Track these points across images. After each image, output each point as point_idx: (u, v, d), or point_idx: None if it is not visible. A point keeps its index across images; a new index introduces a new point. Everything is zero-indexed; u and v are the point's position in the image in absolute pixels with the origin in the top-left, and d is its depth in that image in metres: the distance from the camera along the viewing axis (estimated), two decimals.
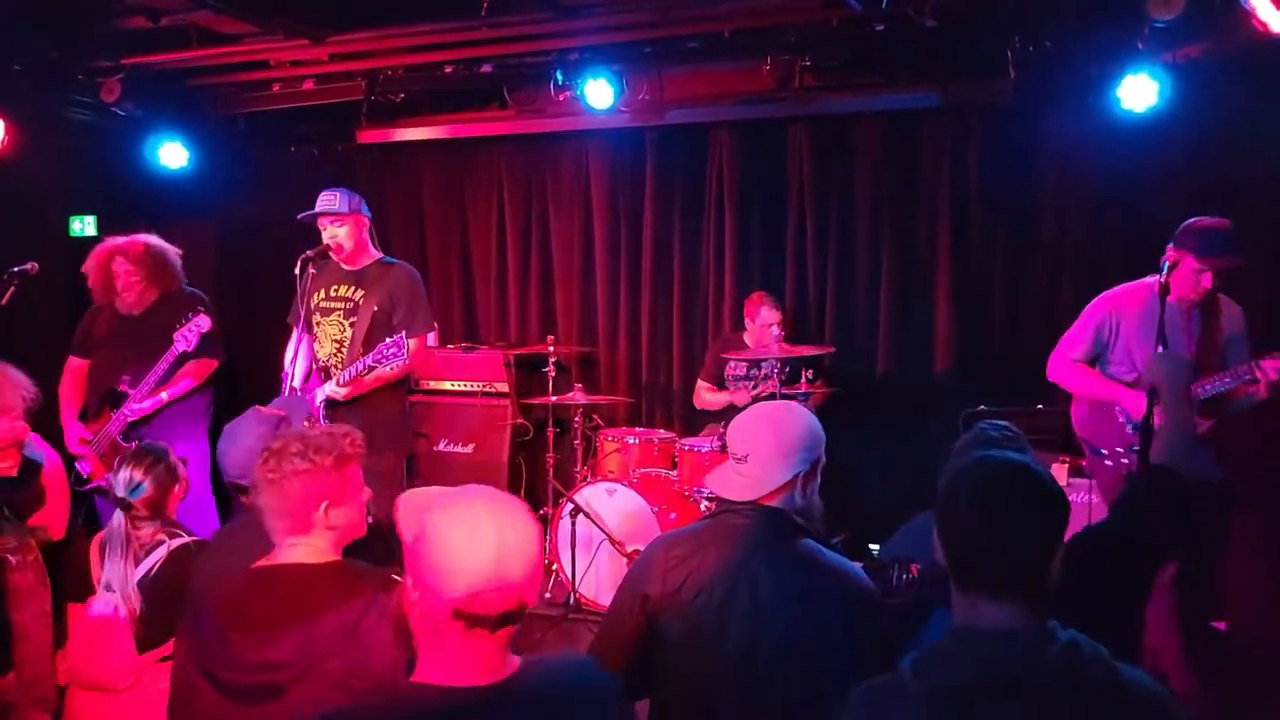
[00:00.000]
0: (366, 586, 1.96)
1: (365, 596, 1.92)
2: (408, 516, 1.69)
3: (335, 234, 3.86)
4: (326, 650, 1.87)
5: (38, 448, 3.28)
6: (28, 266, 4.10)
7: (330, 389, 3.76)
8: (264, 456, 2.04)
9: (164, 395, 4.25)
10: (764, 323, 4.96)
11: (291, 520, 2.03)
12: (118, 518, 2.83)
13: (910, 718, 1.41)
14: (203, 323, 4.13)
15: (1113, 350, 3.67)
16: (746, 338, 5.12)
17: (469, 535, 1.42)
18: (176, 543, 2.87)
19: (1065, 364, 3.74)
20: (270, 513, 2.04)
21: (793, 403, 2.27)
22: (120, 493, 2.85)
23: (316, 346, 4.00)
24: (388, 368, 3.64)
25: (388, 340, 3.60)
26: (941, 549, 1.52)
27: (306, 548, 2.04)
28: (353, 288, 3.93)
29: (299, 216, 3.94)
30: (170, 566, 2.81)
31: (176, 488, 3.01)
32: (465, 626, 1.42)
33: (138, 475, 2.88)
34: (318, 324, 3.96)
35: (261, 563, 2.05)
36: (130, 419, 4.19)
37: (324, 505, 2.03)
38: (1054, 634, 1.41)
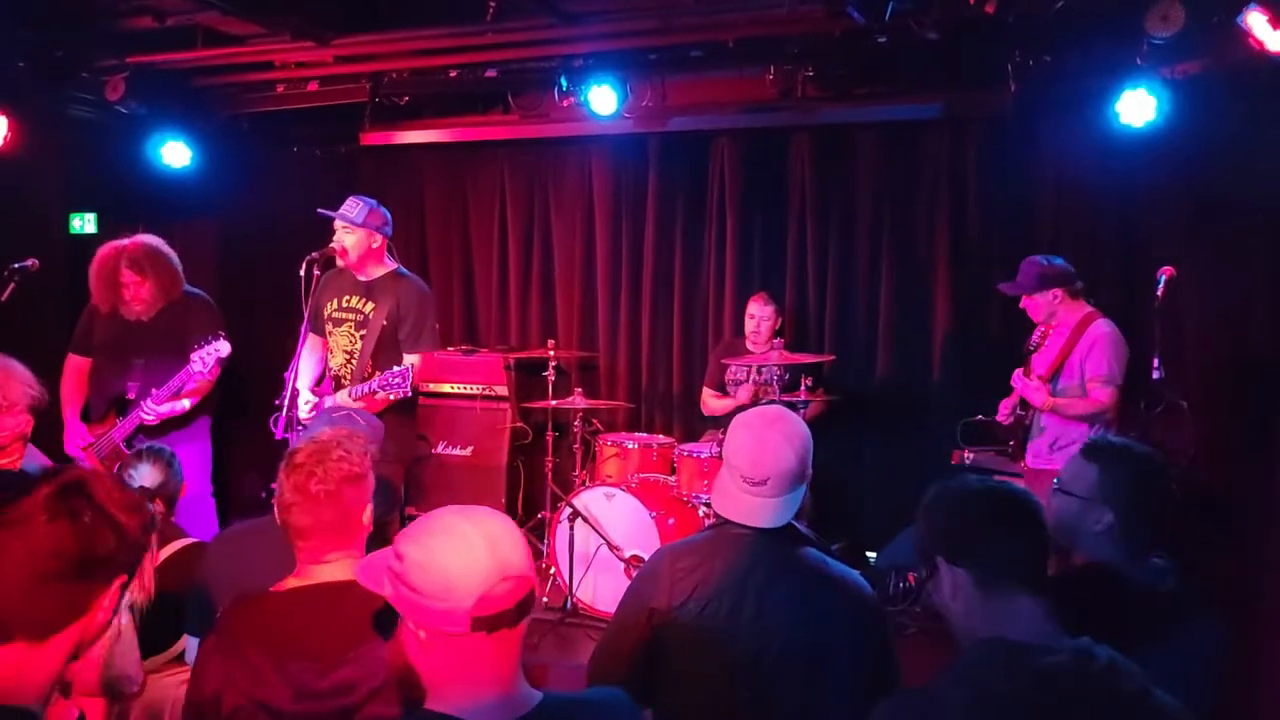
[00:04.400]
0: None
1: None
2: (375, 575, 1.50)
3: (342, 239, 3.88)
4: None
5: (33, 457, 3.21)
6: (28, 263, 4.09)
7: (342, 400, 3.77)
8: (305, 471, 1.92)
9: (172, 407, 4.23)
10: (751, 316, 5.04)
11: (340, 534, 1.93)
12: None
13: None
14: (223, 348, 4.01)
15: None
16: (748, 343, 5.15)
17: (458, 546, 1.39)
18: (181, 544, 2.90)
19: None
20: (317, 529, 1.92)
21: (785, 409, 2.25)
22: (146, 483, 2.91)
23: (329, 354, 4.03)
24: (390, 396, 3.66)
25: (394, 370, 3.62)
26: (975, 559, 1.57)
27: (344, 564, 1.93)
28: (364, 299, 3.95)
29: (320, 211, 3.93)
30: (175, 568, 2.81)
31: (182, 487, 3.10)
32: (488, 633, 1.38)
33: (159, 471, 2.98)
34: (330, 333, 4.00)
35: (297, 583, 1.94)
36: (139, 424, 4.16)
37: (368, 509, 1.99)
38: (1091, 650, 1.43)
